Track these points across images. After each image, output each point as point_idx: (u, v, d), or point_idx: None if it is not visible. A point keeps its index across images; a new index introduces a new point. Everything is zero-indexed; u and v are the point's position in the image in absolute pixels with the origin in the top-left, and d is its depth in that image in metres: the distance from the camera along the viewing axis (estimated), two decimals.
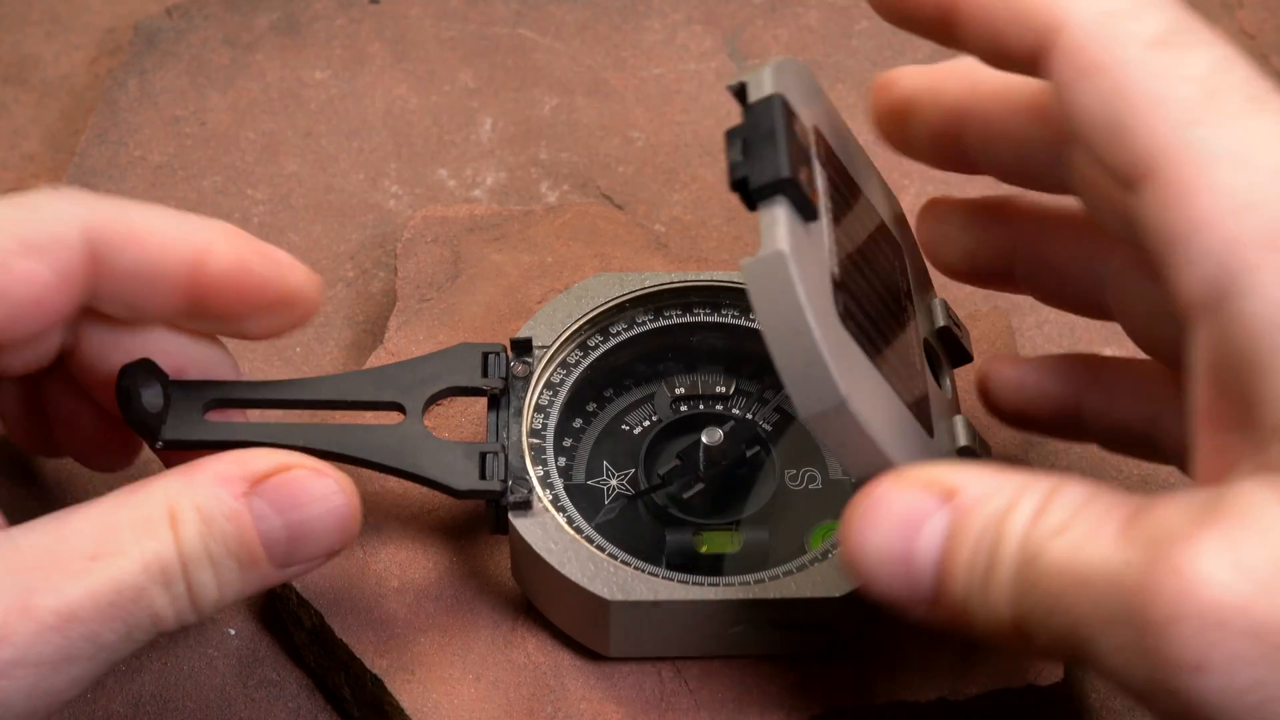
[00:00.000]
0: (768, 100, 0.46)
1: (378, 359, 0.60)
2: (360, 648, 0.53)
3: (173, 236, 0.50)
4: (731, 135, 0.46)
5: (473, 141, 0.71)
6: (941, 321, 0.54)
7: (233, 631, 0.57)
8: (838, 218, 0.48)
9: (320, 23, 0.74)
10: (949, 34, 0.47)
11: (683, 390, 0.58)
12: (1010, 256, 0.54)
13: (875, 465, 0.46)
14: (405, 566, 0.55)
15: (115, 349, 0.52)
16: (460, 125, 0.71)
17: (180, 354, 0.53)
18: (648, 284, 0.57)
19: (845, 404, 0.44)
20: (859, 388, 0.45)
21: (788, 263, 0.43)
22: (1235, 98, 0.41)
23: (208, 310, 0.52)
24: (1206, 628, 0.38)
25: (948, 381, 0.53)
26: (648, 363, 0.58)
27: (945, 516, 0.44)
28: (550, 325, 0.56)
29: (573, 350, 0.57)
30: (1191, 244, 0.40)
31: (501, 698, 0.52)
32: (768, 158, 0.45)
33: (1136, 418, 0.52)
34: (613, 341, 0.57)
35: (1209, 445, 0.42)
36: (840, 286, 0.46)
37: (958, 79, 0.52)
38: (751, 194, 0.45)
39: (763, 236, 0.44)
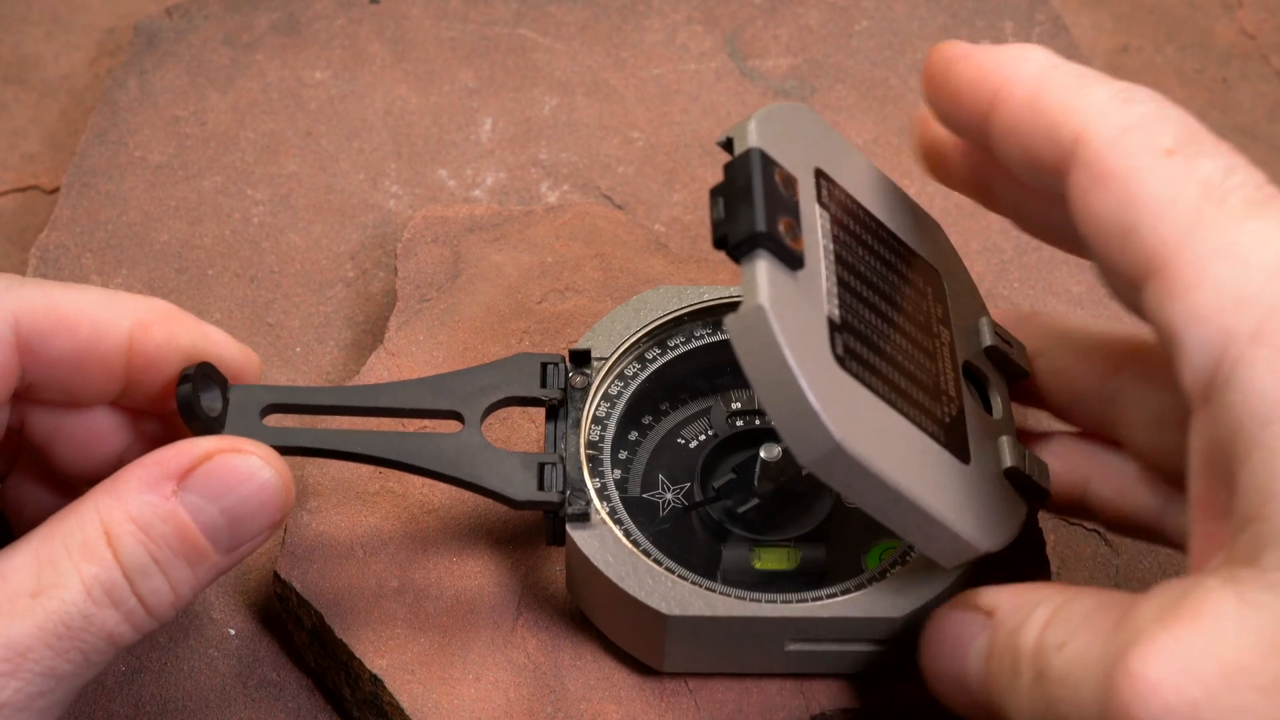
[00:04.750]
0: (744, 156, 0.47)
1: (378, 359, 0.60)
2: (360, 648, 0.53)
3: (103, 320, 0.50)
4: (714, 194, 0.47)
5: (473, 141, 0.71)
6: (988, 341, 0.53)
7: (233, 631, 0.57)
8: (843, 257, 0.49)
9: (320, 23, 0.74)
10: (986, 143, 0.48)
11: (739, 405, 0.57)
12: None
13: (889, 502, 0.46)
14: (405, 566, 0.55)
15: (58, 431, 0.52)
16: (460, 125, 0.71)
17: (125, 432, 0.53)
18: (706, 297, 0.57)
19: (841, 447, 0.44)
20: (859, 428, 0.45)
21: (768, 316, 0.44)
22: (1237, 200, 0.43)
23: (145, 390, 0.51)
24: None
25: (998, 401, 0.53)
26: (705, 376, 0.57)
27: (986, 635, 0.47)
28: (608, 337, 0.56)
29: (630, 362, 0.56)
30: (1188, 337, 0.42)
31: (501, 698, 0.52)
32: (743, 214, 0.46)
33: (1144, 508, 0.52)
34: (670, 355, 0.57)
35: (1200, 533, 0.44)
36: (841, 328, 0.47)
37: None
38: (731, 250, 0.46)
39: (744, 291, 0.45)
